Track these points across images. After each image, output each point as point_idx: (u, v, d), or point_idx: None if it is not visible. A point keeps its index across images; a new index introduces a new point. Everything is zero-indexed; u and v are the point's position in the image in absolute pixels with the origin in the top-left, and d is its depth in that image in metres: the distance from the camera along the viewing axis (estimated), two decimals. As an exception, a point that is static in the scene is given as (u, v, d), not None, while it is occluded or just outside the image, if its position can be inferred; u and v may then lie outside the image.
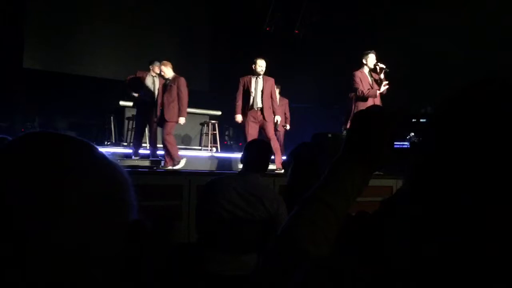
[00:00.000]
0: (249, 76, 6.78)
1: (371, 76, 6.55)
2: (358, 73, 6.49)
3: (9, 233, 0.49)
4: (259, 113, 6.67)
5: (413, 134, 0.80)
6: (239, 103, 6.79)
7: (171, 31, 11.00)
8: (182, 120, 6.79)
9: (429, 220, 0.57)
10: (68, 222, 0.51)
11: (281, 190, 2.92)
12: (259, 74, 6.70)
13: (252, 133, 6.60)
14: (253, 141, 3.04)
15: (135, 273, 0.57)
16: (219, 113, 10.03)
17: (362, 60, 6.60)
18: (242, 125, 6.79)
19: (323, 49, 9.54)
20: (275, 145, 6.69)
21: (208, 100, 10.65)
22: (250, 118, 6.68)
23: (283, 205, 2.69)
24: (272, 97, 6.76)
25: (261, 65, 6.69)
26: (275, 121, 6.78)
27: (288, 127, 8.61)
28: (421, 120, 0.81)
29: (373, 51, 6.60)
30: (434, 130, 0.62)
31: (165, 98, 6.72)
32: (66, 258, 0.51)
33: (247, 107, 6.71)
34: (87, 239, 0.53)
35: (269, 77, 6.81)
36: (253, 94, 6.69)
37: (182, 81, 6.77)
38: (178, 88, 6.71)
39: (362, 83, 6.43)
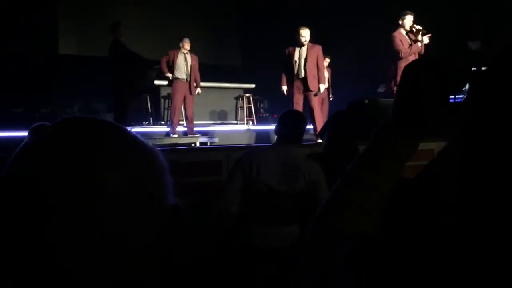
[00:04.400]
0: (293, 46, 6.68)
1: (409, 37, 6.38)
2: (396, 34, 6.33)
3: (47, 221, 0.48)
4: (302, 82, 6.59)
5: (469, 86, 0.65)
6: (284, 74, 6.79)
7: (201, 7, 10.95)
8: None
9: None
10: (107, 209, 0.50)
11: (315, 157, 2.89)
12: (303, 44, 6.59)
13: (297, 103, 6.56)
14: (286, 112, 3.01)
15: (171, 259, 0.56)
16: (253, 86, 10.00)
17: (398, 21, 6.42)
18: (289, 95, 6.73)
19: (356, 12, 9.30)
20: (318, 115, 6.61)
21: (242, 73, 10.64)
22: (295, 88, 6.63)
23: (322, 174, 2.67)
24: (318, 65, 6.61)
25: (304, 35, 6.57)
26: (318, 89, 6.62)
27: (331, 97, 8.51)
28: (483, 68, 0.64)
29: (410, 12, 6.41)
30: (490, 85, 0.53)
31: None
32: (105, 245, 0.50)
33: (292, 77, 6.66)
34: (126, 226, 0.51)
35: (315, 45, 6.67)
36: (296, 64, 6.61)
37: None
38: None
39: (402, 44, 6.28)
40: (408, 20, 6.36)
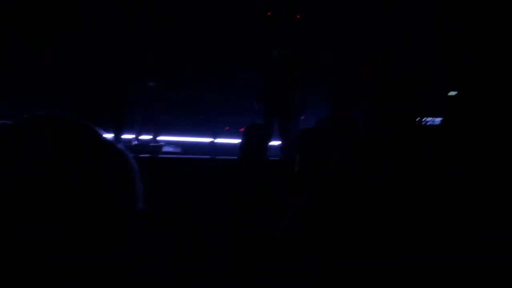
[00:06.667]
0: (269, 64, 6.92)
1: None
2: None
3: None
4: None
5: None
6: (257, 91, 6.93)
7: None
8: None
9: None
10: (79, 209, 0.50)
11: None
12: (277, 63, 6.78)
13: (267, 119, 6.66)
14: (251, 126, 2.99)
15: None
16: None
17: None
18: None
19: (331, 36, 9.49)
20: (284, 132, 6.73)
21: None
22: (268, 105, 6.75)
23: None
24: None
25: (277, 54, 6.76)
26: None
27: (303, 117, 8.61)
28: (449, 93, 0.66)
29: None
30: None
31: None
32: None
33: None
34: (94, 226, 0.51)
35: (290, 63, 6.86)
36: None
37: None
38: None
39: None
40: None
